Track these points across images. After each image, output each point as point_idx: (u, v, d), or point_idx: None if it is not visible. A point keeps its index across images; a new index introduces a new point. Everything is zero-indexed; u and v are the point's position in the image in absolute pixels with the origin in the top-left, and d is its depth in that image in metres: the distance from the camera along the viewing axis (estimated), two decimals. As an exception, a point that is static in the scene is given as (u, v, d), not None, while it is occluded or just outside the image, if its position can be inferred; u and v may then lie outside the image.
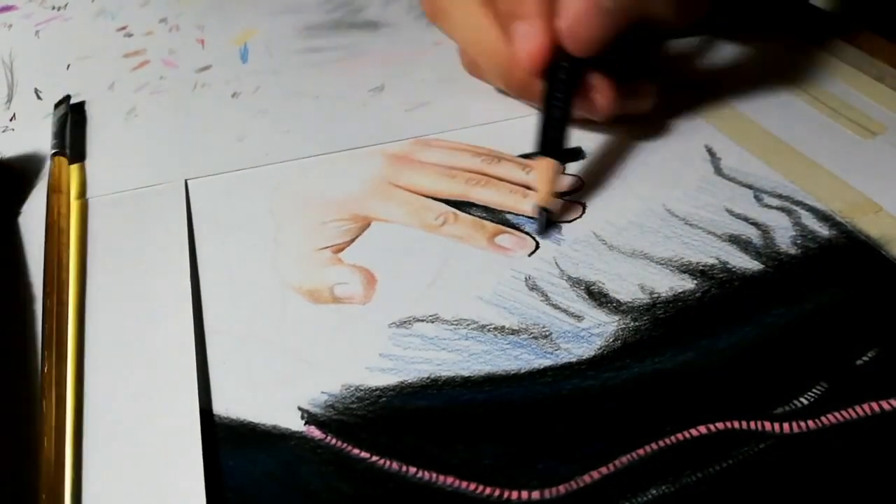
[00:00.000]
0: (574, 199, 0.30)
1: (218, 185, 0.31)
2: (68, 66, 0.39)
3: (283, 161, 0.32)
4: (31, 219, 0.29)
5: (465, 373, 0.23)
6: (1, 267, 0.27)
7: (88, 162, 0.33)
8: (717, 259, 0.27)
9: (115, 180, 0.31)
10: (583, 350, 0.24)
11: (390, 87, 0.37)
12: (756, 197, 0.29)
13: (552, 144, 0.29)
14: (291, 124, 0.35)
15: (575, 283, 0.26)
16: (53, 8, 0.44)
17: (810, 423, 0.21)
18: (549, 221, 0.28)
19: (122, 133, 0.35)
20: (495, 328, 0.25)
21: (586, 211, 0.29)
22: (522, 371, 0.23)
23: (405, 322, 0.25)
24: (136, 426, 0.22)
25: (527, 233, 0.28)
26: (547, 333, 0.24)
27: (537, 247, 0.28)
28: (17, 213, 0.30)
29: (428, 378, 0.23)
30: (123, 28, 0.42)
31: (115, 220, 0.29)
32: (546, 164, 0.29)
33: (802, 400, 0.22)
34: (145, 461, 0.21)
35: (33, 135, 0.35)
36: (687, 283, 0.26)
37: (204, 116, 0.36)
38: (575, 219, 0.29)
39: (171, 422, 0.22)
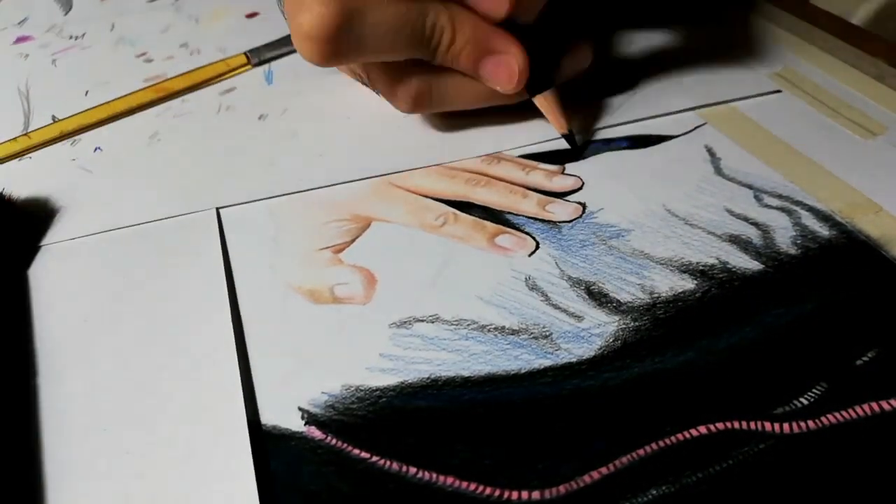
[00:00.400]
0: (574, 199, 0.30)
1: (251, 213, 0.30)
2: (87, 92, 0.38)
3: (320, 187, 0.31)
4: (43, 270, 0.28)
5: (466, 373, 0.23)
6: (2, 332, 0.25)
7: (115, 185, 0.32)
8: (718, 259, 0.27)
9: (140, 210, 0.30)
10: (583, 350, 0.24)
11: None
12: (756, 197, 0.29)
13: (539, 80, 0.31)
14: (324, 148, 0.33)
15: (575, 283, 0.26)
16: (71, 37, 0.43)
17: (810, 423, 0.21)
18: (577, 143, 0.32)
19: (145, 158, 0.33)
20: (495, 328, 0.25)
21: (586, 211, 0.29)
22: (523, 371, 0.23)
23: (405, 322, 0.25)
24: (137, 426, 0.22)
25: (527, 233, 0.28)
26: (547, 333, 0.24)
27: (537, 247, 0.28)
28: (27, 264, 0.28)
29: (428, 378, 0.23)
30: (143, 54, 0.41)
31: (145, 252, 0.28)
32: (545, 100, 0.32)
33: (802, 400, 0.22)
34: (147, 461, 0.21)
35: (51, 165, 0.33)
36: (687, 283, 0.26)
37: (231, 140, 0.34)
38: (575, 219, 0.29)
39: (173, 421, 0.22)
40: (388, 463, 0.21)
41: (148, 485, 0.21)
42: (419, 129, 0.34)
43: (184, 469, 0.21)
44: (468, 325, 0.25)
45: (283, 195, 0.31)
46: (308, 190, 0.31)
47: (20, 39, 0.43)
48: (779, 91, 0.35)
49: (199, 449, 0.21)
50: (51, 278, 0.27)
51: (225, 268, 0.27)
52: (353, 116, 0.35)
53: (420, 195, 0.30)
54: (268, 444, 0.21)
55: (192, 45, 0.42)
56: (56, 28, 0.44)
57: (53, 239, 0.29)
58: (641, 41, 0.40)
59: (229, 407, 0.22)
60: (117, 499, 0.20)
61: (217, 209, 0.30)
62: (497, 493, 0.20)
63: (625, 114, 0.34)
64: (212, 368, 0.24)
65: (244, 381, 0.23)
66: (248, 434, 0.21)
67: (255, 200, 0.30)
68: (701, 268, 0.26)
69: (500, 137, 0.33)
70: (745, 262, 0.26)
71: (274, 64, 0.40)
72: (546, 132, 0.33)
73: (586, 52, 0.33)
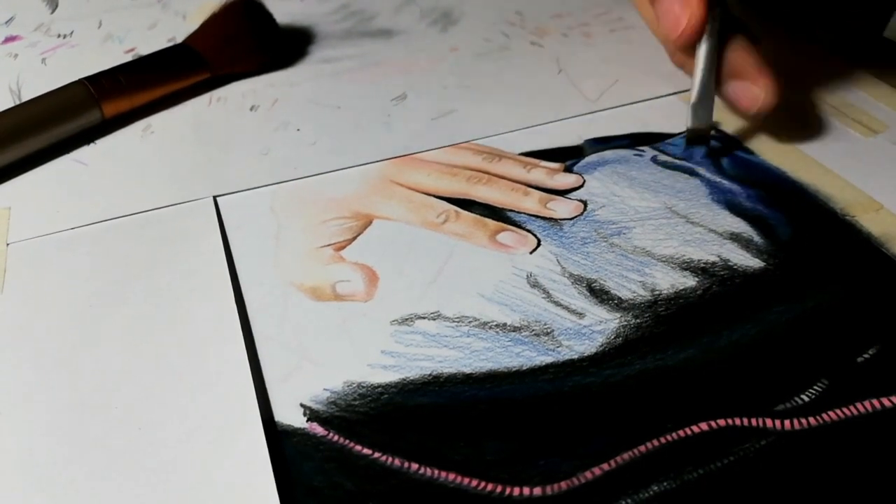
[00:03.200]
0: (575, 196, 0.30)
1: (249, 201, 0.30)
2: None
3: (315, 174, 0.31)
4: (41, 260, 0.28)
5: (467, 370, 0.23)
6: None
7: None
8: (719, 256, 0.27)
9: (137, 199, 0.30)
10: (584, 347, 0.24)
11: (412, 95, 0.36)
12: (757, 194, 0.29)
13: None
14: (316, 136, 0.34)
15: (576, 280, 0.26)
16: (59, 36, 0.43)
17: (811, 420, 0.21)
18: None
19: (138, 150, 0.33)
20: (497, 325, 0.25)
21: (587, 208, 0.29)
22: (524, 368, 0.23)
23: (407, 319, 0.25)
24: (158, 387, 0.22)
25: (528, 230, 0.28)
26: (549, 330, 0.24)
27: (538, 244, 0.28)
28: None
29: (430, 375, 0.23)
30: (132, 50, 0.41)
31: (147, 240, 0.28)
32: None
33: (803, 397, 0.22)
34: (170, 418, 0.21)
35: (45, 158, 0.33)
36: (688, 281, 0.26)
37: (224, 130, 0.34)
38: (576, 216, 0.29)
39: (182, 411, 0.22)
40: (390, 459, 0.21)
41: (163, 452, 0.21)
42: (407, 117, 0.35)
43: (195, 437, 0.21)
44: (470, 322, 0.25)
45: (279, 182, 0.31)
46: (303, 178, 0.31)
47: (8, 39, 0.43)
48: None
49: (208, 420, 0.21)
50: (50, 268, 0.27)
51: (225, 251, 0.28)
52: (343, 105, 0.36)
53: (421, 193, 0.30)
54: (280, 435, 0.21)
55: (180, 40, 0.42)
56: (44, 27, 0.44)
57: (54, 229, 0.29)
58: (610, 30, 0.40)
59: (239, 396, 0.22)
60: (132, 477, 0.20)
61: (214, 197, 0.30)
62: (499, 489, 0.20)
63: (607, 101, 0.35)
64: (219, 358, 0.24)
65: (253, 367, 0.23)
66: (260, 421, 0.22)
67: (251, 188, 0.31)
68: (702, 265, 0.26)
69: (484, 124, 0.34)
70: (747, 260, 0.26)
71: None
72: (527, 120, 0.34)
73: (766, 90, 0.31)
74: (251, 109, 0.36)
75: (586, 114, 0.34)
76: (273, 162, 0.32)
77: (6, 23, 0.45)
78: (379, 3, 0.44)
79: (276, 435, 0.22)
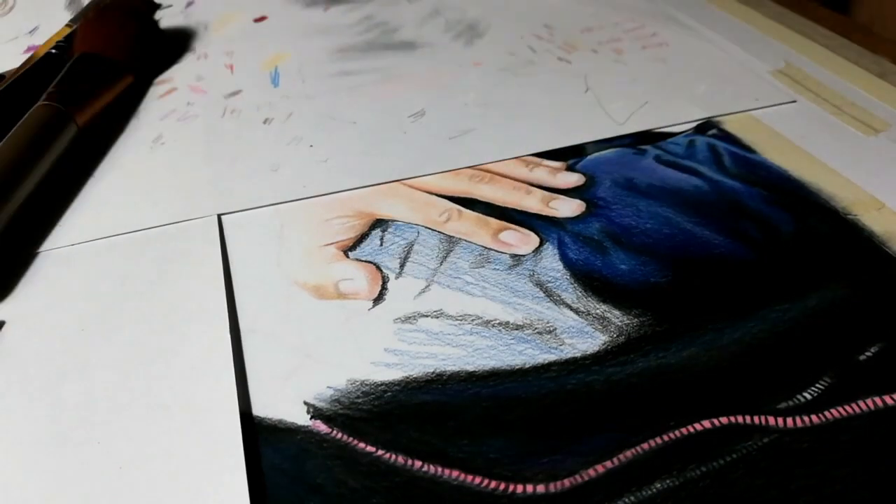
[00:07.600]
0: (577, 195, 0.30)
1: (253, 219, 0.30)
2: None
3: (323, 194, 0.30)
4: (41, 276, 0.27)
5: (470, 368, 0.23)
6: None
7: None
8: (721, 255, 0.27)
9: (141, 216, 0.30)
10: (587, 345, 0.24)
11: (431, 112, 0.35)
12: (759, 193, 0.29)
13: None
14: (329, 153, 0.33)
15: (579, 278, 0.26)
16: None
17: (813, 417, 0.21)
18: None
19: (147, 163, 0.33)
20: (500, 323, 0.25)
21: (589, 207, 0.29)
22: (527, 366, 0.23)
23: (410, 318, 0.25)
24: (144, 423, 0.22)
25: (531, 229, 0.28)
26: (551, 329, 0.24)
27: (541, 243, 0.28)
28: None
29: (433, 373, 0.23)
30: None
31: (146, 259, 0.28)
32: None
33: (806, 395, 0.22)
34: (153, 457, 0.21)
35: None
36: (691, 279, 0.26)
37: (235, 144, 0.34)
38: (578, 215, 0.29)
39: (180, 418, 0.22)
40: (394, 457, 0.21)
41: (142, 495, 0.20)
42: (424, 136, 0.34)
43: (177, 479, 0.21)
44: (472, 320, 0.25)
45: (285, 202, 0.30)
46: (310, 198, 0.30)
47: (31, 49, 0.43)
48: (794, 101, 0.34)
49: (192, 461, 0.21)
50: (48, 285, 0.27)
51: (225, 276, 0.27)
52: (359, 121, 0.35)
53: (424, 191, 0.30)
54: (271, 441, 0.21)
55: (200, 51, 0.42)
56: None
57: (52, 245, 0.29)
58: (642, 47, 0.40)
59: (226, 433, 0.21)
60: None
61: (219, 215, 0.30)
62: (502, 486, 0.20)
63: (635, 124, 0.34)
64: (207, 377, 0.23)
65: (240, 392, 0.23)
66: (242, 446, 0.21)
67: (256, 207, 0.30)
68: (705, 263, 0.26)
69: (502, 146, 0.33)
70: (749, 258, 0.26)
71: (280, 66, 0.40)
72: (548, 142, 0.33)
73: None
74: (264, 122, 0.35)
75: (612, 138, 0.33)
76: (281, 179, 0.31)
77: (30, 32, 0.45)
78: (403, 15, 0.44)
79: (258, 450, 0.21)
